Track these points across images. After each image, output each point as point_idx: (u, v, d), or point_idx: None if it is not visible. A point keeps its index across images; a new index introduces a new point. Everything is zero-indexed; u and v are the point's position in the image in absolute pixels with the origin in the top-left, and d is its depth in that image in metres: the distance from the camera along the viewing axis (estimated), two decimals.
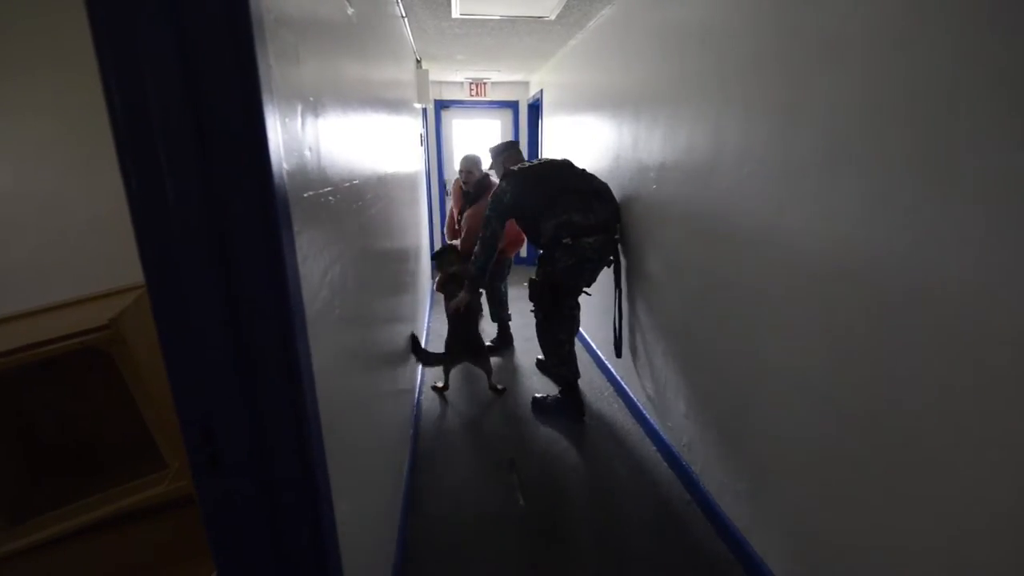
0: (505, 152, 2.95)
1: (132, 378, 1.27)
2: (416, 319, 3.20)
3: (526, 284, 2.70)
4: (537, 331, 2.70)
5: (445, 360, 2.92)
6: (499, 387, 3.01)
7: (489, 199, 2.66)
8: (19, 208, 1.67)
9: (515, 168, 2.64)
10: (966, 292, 0.94)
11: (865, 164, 1.14)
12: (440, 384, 3.01)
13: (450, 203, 3.98)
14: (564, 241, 2.41)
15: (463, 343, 2.88)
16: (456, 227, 3.61)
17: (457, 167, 3.54)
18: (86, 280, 1.48)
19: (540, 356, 2.84)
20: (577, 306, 2.77)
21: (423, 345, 3.11)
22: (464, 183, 3.50)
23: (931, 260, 1.00)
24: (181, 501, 1.32)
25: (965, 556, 0.97)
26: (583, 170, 2.68)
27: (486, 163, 3.21)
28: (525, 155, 3.51)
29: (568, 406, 2.68)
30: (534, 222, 2.53)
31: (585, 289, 2.62)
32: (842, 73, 1.20)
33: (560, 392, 2.71)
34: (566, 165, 2.68)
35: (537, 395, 2.83)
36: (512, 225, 3.47)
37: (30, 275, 1.67)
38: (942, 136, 0.97)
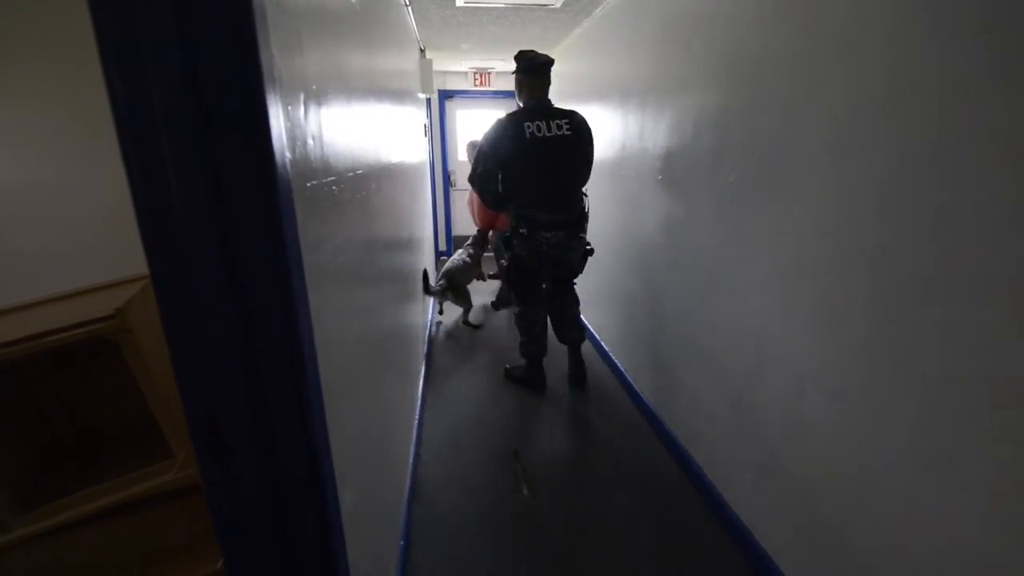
0: (530, 76, 2.46)
1: (138, 367, 1.27)
2: (421, 309, 3.21)
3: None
4: (514, 312, 2.81)
5: (436, 292, 3.62)
6: (473, 323, 3.80)
7: (490, 129, 2.50)
8: (25, 198, 1.67)
9: (521, 125, 2.34)
10: (975, 286, 0.93)
11: (873, 156, 1.13)
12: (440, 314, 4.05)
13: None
14: (521, 230, 2.45)
15: (450, 279, 3.61)
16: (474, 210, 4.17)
17: (463, 155, 4.05)
18: (92, 270, 1.49)
19: (507, 365, 3.04)
20: (542, 289, 2.73)
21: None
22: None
23: (940, 253, 0.99)
24: (188, 490, 1.33)
25: (969, 551, 0.97)
26: (580, 158, 2.47)
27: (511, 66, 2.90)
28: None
29: (532, 378, 2.85)
30: (505, 190, 2.47)
31: (572, 280, 2.67)
32: (852, 64, 1.18)
33: (526, 365, 2.86)
34: (561, 154, 2.40)
35: (507, 366, 3.03)
36: None
37: (36, 265, 1.68)
38: (954, 127, 0.95)
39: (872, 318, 1.16)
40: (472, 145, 4.12)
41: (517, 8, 3.11)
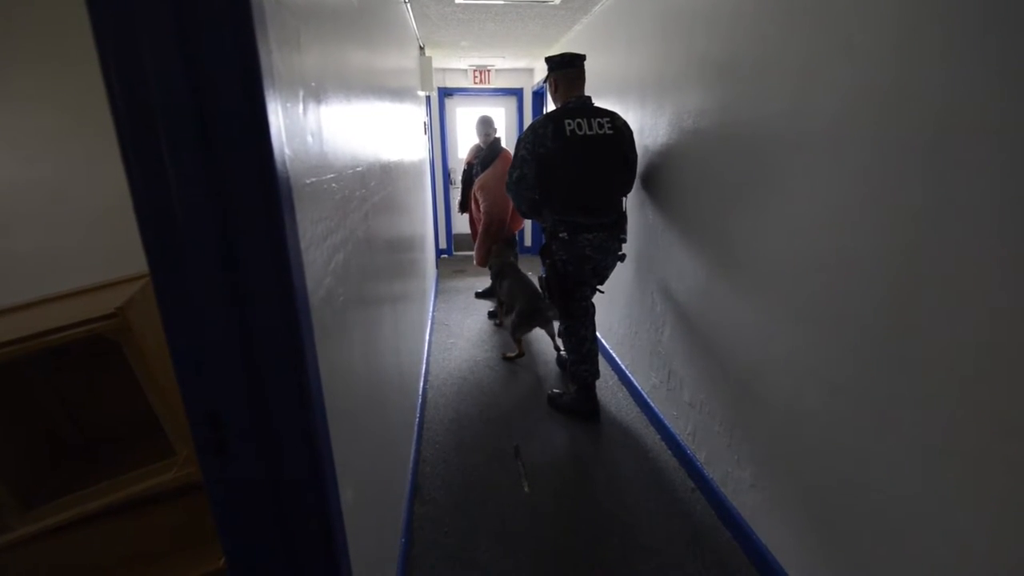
0: (564, 70, 2.37)
1: (139, 366, 1.27)
2: (421, 308, 3.21)
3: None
4: (561, 328, 2.60)
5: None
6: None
7: (524, 133, 2.34)
8: (24, 198, 1.67)
9: (561, 123, 2.21)
10: (975, 281, 0.93)
11: (876, 152, 1.13)
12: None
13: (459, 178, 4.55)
14: (561, 235, 2.31)
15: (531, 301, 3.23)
16: (473, 206, 4.06)
17: (462, 154, 3.98)
18: (93, 269, 1.49)
19: (551, 391, 2.79)
20: (587, 298, 2.53)
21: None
22: (483, 143, 4.05)
23: (940, 247, 0.99)
24: (189, 488, 1.33)
25: (972, 547, 0.97)
26: (622, 159, 2.31)
27: (538, 76, 3.07)
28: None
29: (582, 406, 2.58)
30: (542, 194, 2.32)
31: (598, 287, 2.51)
32: (853, 57, 1.18)
33: (575, 391, 2.60)
34: (603, 154, 2.25)
35: (552, 392, 2.77)
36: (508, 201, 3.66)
37: (36, 264, 1.68)
38: (956, 121, 0.95)
39: (872, 314, 1.16)
40: (483, 120, 4.10)
41: (516, 5, 3.10)
